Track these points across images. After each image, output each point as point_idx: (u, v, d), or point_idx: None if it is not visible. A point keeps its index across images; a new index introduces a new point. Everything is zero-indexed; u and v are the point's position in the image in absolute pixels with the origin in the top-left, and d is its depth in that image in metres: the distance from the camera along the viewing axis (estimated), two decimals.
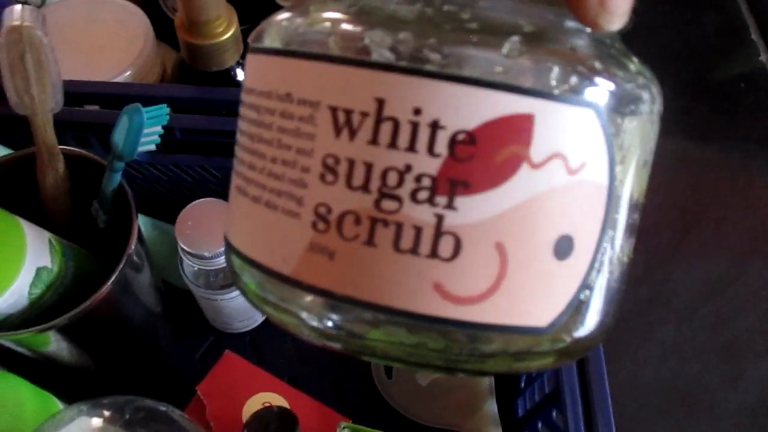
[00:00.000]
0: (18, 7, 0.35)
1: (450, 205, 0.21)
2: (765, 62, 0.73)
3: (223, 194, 0.44)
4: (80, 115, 0.44)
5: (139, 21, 0.53)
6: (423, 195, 0.21)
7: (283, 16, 0.25)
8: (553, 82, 0.21)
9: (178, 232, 0.43)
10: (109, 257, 0.40)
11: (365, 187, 0.22)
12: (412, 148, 0.21)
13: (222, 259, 0.43)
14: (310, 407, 0.44)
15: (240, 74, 0.51)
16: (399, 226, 0.22)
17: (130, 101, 0.39)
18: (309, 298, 0.23)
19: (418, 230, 0.22)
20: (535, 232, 0.22)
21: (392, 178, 0.21)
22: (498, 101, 0.21)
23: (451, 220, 0.21)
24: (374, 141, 0.22)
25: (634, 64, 0.24)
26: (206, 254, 0.42)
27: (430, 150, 0.21)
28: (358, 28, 0.22)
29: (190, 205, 0.43)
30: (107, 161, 0.39)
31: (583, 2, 0.21)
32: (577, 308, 0.23)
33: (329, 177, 0.22)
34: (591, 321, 0.23)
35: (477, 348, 0.23)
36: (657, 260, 0.60)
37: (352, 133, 0.22)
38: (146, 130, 0.38)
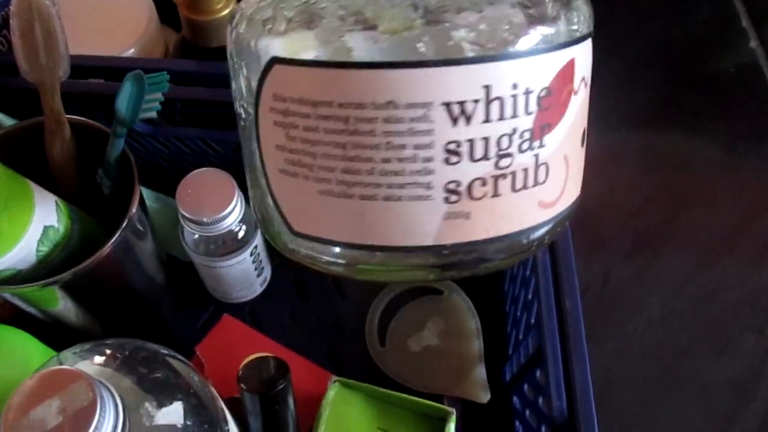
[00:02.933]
0: None
1: (542, 144, 0.28)
2: (755, 49, 0.75)
3: (222, 166, 0.46)
4: (85, 87, 0.46)
5: (143, 1, 0.55)
6: (525, 145, 0.27)
7: (319, 22, 0.28)
8: (575, 27, 0.28)
9: (179, 199, 0.44)
10: (113, 225, 0.42)
11: (485, 156, 0.27)
12: (515, 114, 0.27)
13: (221, 226, 0.45)
14: (304, 366, 0.46)
15: None
16: (514, 174, 0.27)
17: None
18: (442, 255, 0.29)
19: (526, 171, 0.28)
20: (577, 137, 0.30)
21: (504, 142, 0.27)
22: (559, 58, 0.27)
23: (543, 154, 0.28)
24: (487, 119, 0.26)
25: None
26: (206, 220, 0.44)
27: (527, 111, 0.27)
28: (445, 26, 0.26)
29: (191, 173, 0.45)
30: (111, 128, 0.41)
31: None
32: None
33: (453, 159, 0.27)
34: None
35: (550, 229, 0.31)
36: (645, 238, 0.61)
37: (468, 119, 0.26)
38: (148, 97, 0.40)
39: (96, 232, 0.44)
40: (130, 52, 0.52)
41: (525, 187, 0.28)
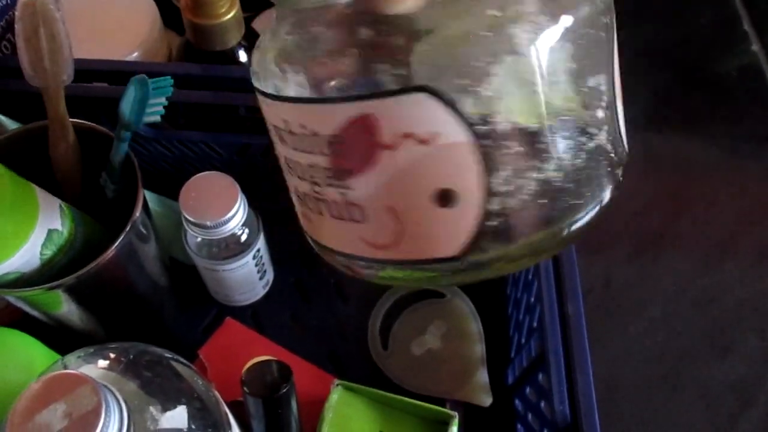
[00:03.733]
0: None
1: (346, 186, 0.28)
2: (757, 52, 0.75)
3: (225, 170, 0.46)
4: (89, 91, 0.46)
5: (147, 4, 0.55)
6: (328, 181, 0.29)
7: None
8: (381, 81, 0.26)
9: (182, 203, 0.44)
10: (117, 229, 0.42)
11: (303, 177, 0.30)
12: (310, 151, 0.29)
13: (224, 229, 0.45)
14: (306, 369, 0.46)
15: (242, 55, 0.53)
16: (327, 202, 0.30)
17: None
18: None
19: (336, 203, 0.29)
20: (412, 193, 0.28)
21: (311, 171, 0.30)
22: (346, 109, 0.27)
23: (351, 195, 0.29)
24: (294, 148, 0.30)
25: None
26: (209, 224, 0.44)
27: (320, 151, 0.29)
28: (275, 70, 0.30)
29: (194, 177, 0.45)
30: (115, 131, 0.42)
31: None
32: (494, 233, 0.28)
33: (289, 171, 0.32)
34: (522, 230, 0.28)
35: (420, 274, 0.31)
36: (647, 240, 0.61)
37: (284, 142, 0.31)
38: (151, 101, 0.40)
39: (99, 236, 0.44)
40: (134, 56, 0.52)
41: (341, 218, 0.30)
